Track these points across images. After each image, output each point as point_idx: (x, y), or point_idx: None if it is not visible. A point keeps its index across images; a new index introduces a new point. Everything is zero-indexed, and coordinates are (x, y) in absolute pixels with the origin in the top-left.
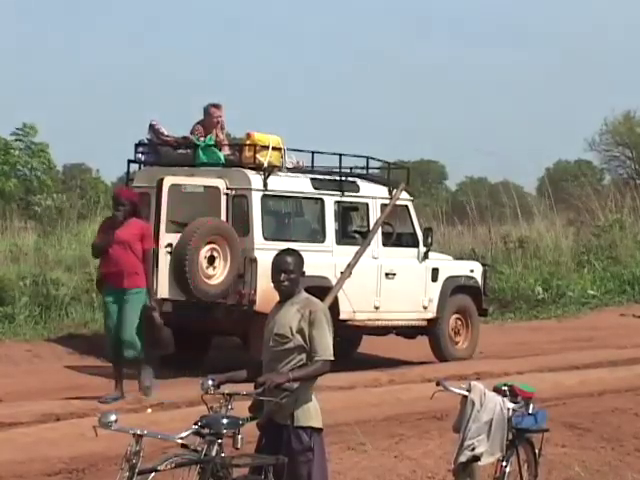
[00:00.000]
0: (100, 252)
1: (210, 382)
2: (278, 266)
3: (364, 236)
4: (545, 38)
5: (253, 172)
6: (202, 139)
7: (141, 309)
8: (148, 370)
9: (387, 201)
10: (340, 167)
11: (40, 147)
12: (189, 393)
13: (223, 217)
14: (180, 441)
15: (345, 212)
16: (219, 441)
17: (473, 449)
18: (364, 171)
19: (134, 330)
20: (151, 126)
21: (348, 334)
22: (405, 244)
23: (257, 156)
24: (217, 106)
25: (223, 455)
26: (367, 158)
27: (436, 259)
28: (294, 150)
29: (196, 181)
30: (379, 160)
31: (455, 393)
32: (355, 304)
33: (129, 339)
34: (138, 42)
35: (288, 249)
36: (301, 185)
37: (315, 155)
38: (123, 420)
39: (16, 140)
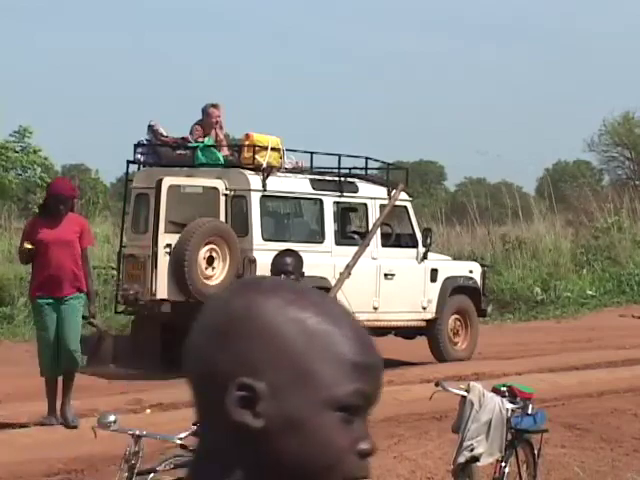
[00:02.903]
0: (32, 257)
1: None
2: (277, 267)
3: (363, 237)
4: (545, 38)
5: (252, 173)
6: (201, 139)
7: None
8: (71, 393)
9: (386, 202)
10: (339, 168)
11: (34, 149)
12: (188, 394)
13: (222, 218)
14: (179, 442)
15: (344, 213)
16: None
17: (472, 450)
18: (363, 172)
19: (78, 338)
20: (150, 127)
21: None
22: (404, 245)
23: (256, 157)
24: (216, 106)
25: None
26: (366, 159)
27: (435, 260)
28: (293, 151)
29: (195, 182)
30: (378, 160)
31: (454, 394)
32: (354, 304)
33: (74, 348)
34: (138, 42)
35: (287, 250)
36: (300, 186)
37: (314, 156)
38: (122, 421)
39: (13, 142)
